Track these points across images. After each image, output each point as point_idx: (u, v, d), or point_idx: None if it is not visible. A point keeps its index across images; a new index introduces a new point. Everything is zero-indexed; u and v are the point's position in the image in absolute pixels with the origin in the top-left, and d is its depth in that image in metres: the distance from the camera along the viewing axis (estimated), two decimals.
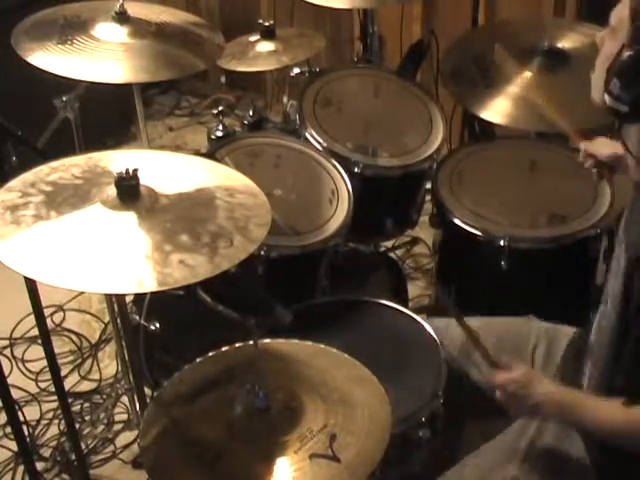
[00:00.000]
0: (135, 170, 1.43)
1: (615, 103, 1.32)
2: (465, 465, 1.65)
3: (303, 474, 1.32)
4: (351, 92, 2.47)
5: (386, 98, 2.47)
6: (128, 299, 1.97)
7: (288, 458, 1.34)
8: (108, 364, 2.64)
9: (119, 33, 1.99)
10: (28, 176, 1.50)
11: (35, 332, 2.15)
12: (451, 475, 1.64)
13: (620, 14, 1.35)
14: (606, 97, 1.33)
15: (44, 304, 1.88)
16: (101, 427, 2.43)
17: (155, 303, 2.06)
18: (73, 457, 2.24)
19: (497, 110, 2.26)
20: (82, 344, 2.72)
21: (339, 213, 2.10)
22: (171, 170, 1.59)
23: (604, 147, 1.80)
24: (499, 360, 1.58)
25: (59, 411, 2.37)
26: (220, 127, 2.42)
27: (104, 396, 2.53)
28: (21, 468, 2.27)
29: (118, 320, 2.16)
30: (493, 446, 1.66)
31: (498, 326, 1.85)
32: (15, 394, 2.31)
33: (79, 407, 2.49)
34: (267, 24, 2.50)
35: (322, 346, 1.58)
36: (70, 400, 2.41)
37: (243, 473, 1.34)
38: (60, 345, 2.68)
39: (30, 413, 2.44)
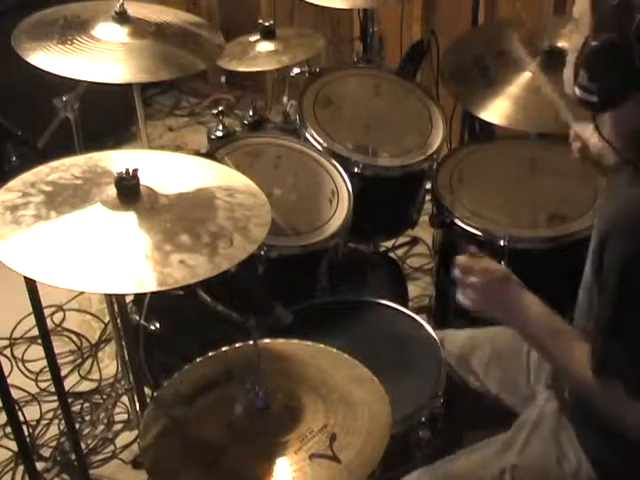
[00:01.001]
0: (135, 170, 1.43)
1: (585, 95, 1.33)
2: (461, 455, 1.65)
3: (303, 474, 1.32)
4: (351, 92, 2.47)
5: (386, 98, 2.47)
6: (128, 299, 1.97)
7: (288, 458, 1.34)
8: (108, 364, 2.64)
9: (119, 33, 1.99)
10: (28, 176, 1.50)
11: (35, 332, 2.15)
12: (445, 464, 1.64)
13: (581, 6, 1.36)
14: (576, 90, 1.35)
15: (44, 304, 1.88)
16: (101, 427, 2.43)
17: (155, 303, 2.06)
18: (73, 457, 2.24)
19: (497, 111, 2.26)
20: (82, 344, 2.72)
21: (339, 213, 2.10)
22: (171, 170, 1.59)
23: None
24: None
25: (59, 411, 2.37)
26: (220, 127, 2.42)
27: (104, 396, 2.54)
28: (21, 468, 2.27)
29: (118, 320, 2.16)
30: (490, 441, 1.66)
31: (492, 332, 1.85)
32: (15, 394, 2.31)
33: (79, 407, 2.49)
34: (267, 24, 2.50)
35: (322, 346, 1.58)
36: (70, 400, 2.41)
37: (243, 473, 1.34)
38: (60, 345, 2.68)
39: (30, 413, 2.44)
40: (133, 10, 2.03)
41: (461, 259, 1.54)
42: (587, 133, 1.80)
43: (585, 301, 1.51)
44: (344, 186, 2.15)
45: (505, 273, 1.53)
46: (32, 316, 1.89)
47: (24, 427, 2.21)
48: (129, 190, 1.43)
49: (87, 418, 2.46)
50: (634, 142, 1.38)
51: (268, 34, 2.49)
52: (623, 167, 1.40)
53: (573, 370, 1.44)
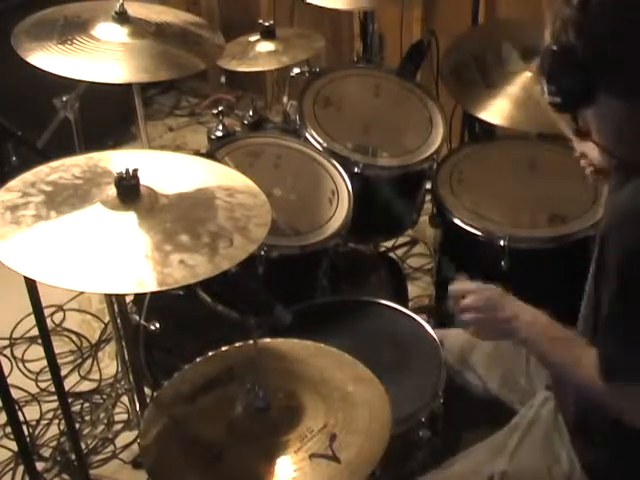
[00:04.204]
0: (135, 170, 1.43)
1: (551, 99, 1.35)
2: (453, 463, 1.65)
3: (303, 474, 1.32)
4: (351, 92, 2.47)
5: (386, 98, 2.47)
6: (128, 299, 1.97)
7: (288, 458, 1.34)
8: (108, 364, 2.64)
9: (119, 33, 1.99)
10: (28, 176, 1.50)
11: (35, 332, 2.15)
12: (437, 474, 1.64)
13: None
14: (545, 96, 1.36)
15: (44, 304, 1.88)
16: (101, 427, 2.43)
17: (155, 303, 2.06)
18: (73, 457, 2.24)
19: (497, 111, 2.25)
20: (82, 344, 2.72)
21: (339, 213, 2.10)
22: (171, 170, 1.59)
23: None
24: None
25: (59, 411, 2.37)
26: (220, 127, 2.42)
27: (104, 396, 2.54)
28: (21, 468, 2.27)
29: (118, 320, 2.16)
30: (483, 445, 1.66)
31: None
32: (15, 394, 2.31)
33: (79, 407, 2.49)
34: (267, 24, 2.50)
35: (322, 346, 1.58)
36: (70, 400, 2.41)
37: (243, 473, 1.35)
38: (60, 345, 2.68)
39: (30, 413, 2.44)
40: (133, 10, 2.04)
41: (453, 287, 1.59)
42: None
43: (587, 315, 1.50)
44: (344, 186, 2.15)
45: (499, 290, 1.56)
46: (32, 316, 1.89)
47: (24, 427, 2.21)
48: (129, 190, 1.43)
49: (87, 418, 2.46)
50: (621, 138, 1.36)
51: (268, 34, 2.50)
52: (621, 181, 1.40)
53: (580, 377, 1.43)
